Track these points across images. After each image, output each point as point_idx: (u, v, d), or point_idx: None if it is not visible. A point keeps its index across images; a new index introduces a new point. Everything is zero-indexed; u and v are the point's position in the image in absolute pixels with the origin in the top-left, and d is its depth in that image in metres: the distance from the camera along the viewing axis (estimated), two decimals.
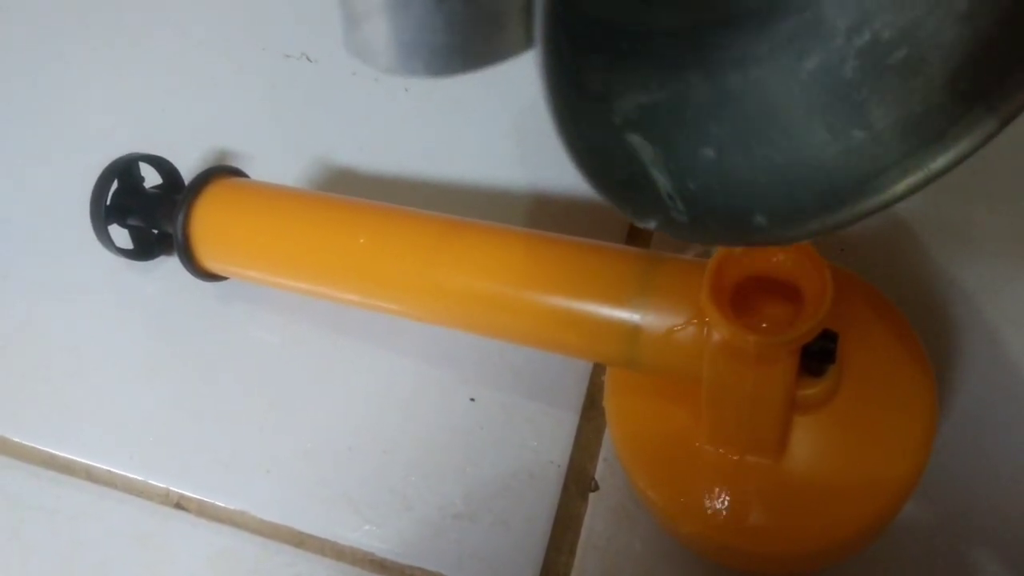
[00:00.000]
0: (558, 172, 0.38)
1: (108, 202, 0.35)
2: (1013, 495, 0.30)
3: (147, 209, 0.36)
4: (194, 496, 0.34)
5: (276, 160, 0.41)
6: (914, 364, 0.28)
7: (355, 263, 0.31)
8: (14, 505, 0.34)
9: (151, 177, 0.37)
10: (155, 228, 0.37)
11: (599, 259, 0.28)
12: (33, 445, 0.35)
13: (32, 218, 0.41)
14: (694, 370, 0.25)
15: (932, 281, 0.33)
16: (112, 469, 0.35)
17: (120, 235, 0.37)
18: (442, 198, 0.39)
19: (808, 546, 0.26)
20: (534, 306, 0.28)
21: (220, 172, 0.35)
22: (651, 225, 0.20)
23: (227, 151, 0.42)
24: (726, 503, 0.26)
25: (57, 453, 0.35)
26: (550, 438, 0.33)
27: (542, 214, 0.38)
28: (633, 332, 0.26)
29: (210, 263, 0.34)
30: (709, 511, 0.27)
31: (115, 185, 0.35)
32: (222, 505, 0.33)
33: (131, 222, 0.37)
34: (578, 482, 0.32)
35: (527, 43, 0.17)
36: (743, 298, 0.25)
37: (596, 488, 0.32)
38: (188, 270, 0.34)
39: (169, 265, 0.38)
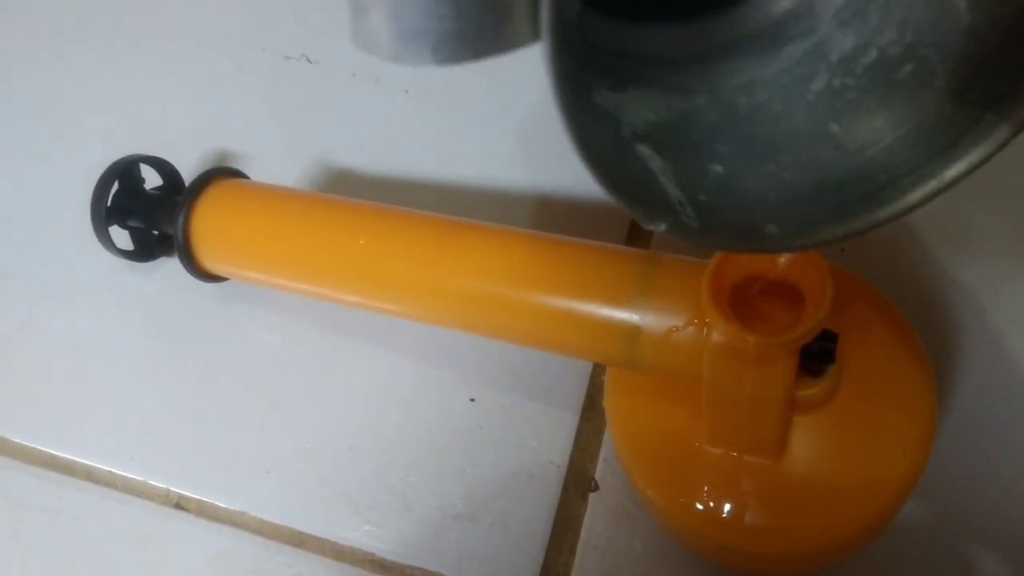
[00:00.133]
0: (558, 173, 0.38)
1: (109, 203, 0.35)
2: (1013, 495, 0.30)
3: (148, 210, 0.36)
4: (194, 496, 0.34)
5: (276, 161, 0.41)
6: (914, 364, 0.28)
7: (355, 264, 0.31)
8: (15, 506, 0.34)
9: (151, 178, 0.37)
10: (155, 229, 0.37)
11: (599, 260, 0.28)
12: (34, 446, 0.36)
13: (32, 218, 0.41)
14: (694, 370, 0.25)
15: (932, 281, 0.33)
16: (112, 470, 0.35)
17: (120, 236, 0.37)
18: (442, 199, 0.39)
19: (808, 546, 0.26)
20: (534, 306, 0.28)
21: (220, 173, 0.35)
22: (661, 228, 0.20)
23: (227, 152, 0.42)
24: (726, 503, 0.26)
25: (58, 454, 0.35)
26: (550, 438, 0.33)
27: (542, 215, 0.38)
28: (633, 332, 0.26)
29: (210, 264, 0.34)
30: (709, 511, 0.27)
31: (116, 186, 0.36)
32: (222, 505, 0.33)
33: (132, 223, 0.37)
34: (578, 482, 0.32)
35: (534, 35, 0.17)
36: (743, 298, 0.25)
37: (596, 488, 0.32)
38: (188, 271, 0.35)
39: (169, 266, 0.38)
